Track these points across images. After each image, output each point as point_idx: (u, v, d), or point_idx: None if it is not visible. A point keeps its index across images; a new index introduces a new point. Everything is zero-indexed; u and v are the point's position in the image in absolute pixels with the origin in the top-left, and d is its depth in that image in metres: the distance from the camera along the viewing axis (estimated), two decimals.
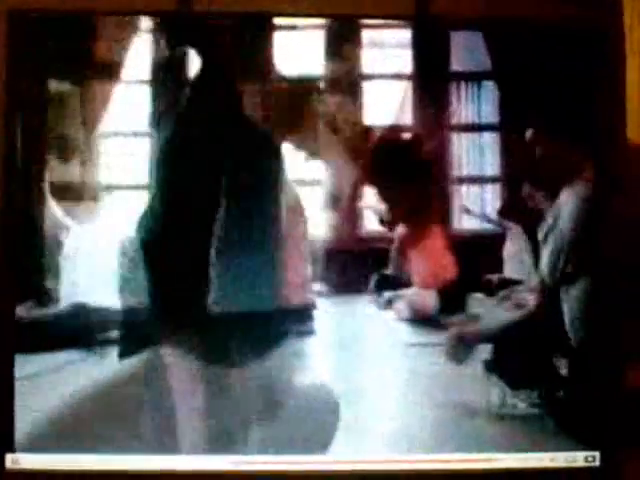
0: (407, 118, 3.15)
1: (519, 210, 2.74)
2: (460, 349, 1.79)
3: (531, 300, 2.32)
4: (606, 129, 1.40)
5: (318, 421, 1.27)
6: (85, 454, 1.33)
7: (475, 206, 3.02)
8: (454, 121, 3.26)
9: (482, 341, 1.79)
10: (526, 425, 1.38)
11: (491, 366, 1.80)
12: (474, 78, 3.26)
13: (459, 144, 3.17)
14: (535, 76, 2.04)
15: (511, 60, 2.52)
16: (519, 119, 2.65)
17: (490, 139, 3.31)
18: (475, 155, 3.21)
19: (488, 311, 2.59)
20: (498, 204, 3.13)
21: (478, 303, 2.73)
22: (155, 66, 1.39)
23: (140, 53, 1.37)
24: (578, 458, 1.32)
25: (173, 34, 1.33)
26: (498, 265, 3.02)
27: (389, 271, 3.14)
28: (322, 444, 1.27)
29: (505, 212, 2.94)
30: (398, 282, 3.01)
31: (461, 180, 3.50)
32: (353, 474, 1.29)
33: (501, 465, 1.31)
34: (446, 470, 1.29)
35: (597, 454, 1.32)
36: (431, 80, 2.75)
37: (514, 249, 2.93)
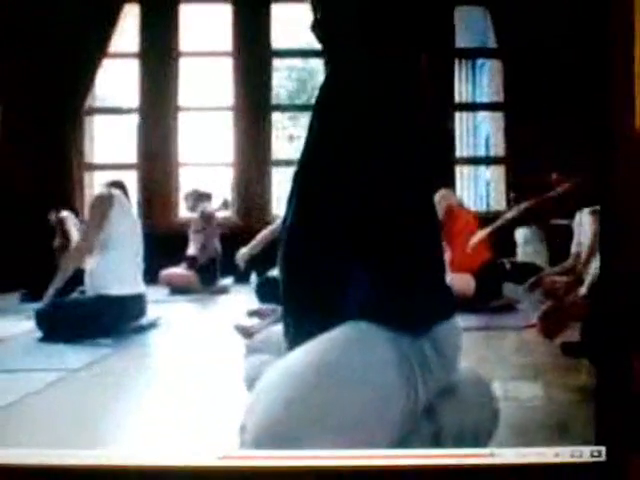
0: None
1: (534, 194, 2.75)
2: (554, 323, 1.78)
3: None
4: (614, 115, 1.36)
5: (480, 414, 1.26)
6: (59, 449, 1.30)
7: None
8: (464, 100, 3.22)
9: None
10: (530, 419, 1.34)
11: (576, 348, 1.78)
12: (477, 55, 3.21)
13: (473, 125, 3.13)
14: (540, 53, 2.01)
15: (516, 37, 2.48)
16: (526, 98, 2.61)
17: (493, 119, 3.27)
18: (484, 136, 3.18)
19: (523, 297, 2.63)
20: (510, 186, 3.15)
21: (507, 288, 2.75)
22: None
23: None
24: (584, 453, 1.29)
25: None
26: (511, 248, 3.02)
27: None
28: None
29: (520, 196, 2.95)
30: None
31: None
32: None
33: (503, 460, 1.28)
34: (448, 465, 1.25)
35: (603, 449, 1.29)
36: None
37: (526, 232, 2.95)
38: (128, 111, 3.09)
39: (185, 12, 3.07)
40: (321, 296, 1.15)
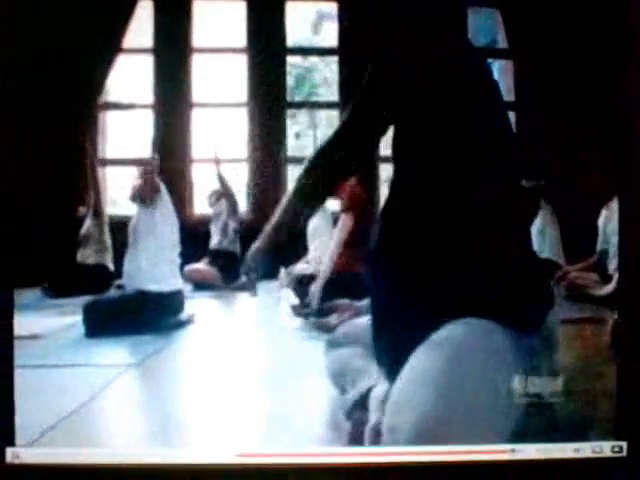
0: None
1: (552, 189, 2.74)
2: None
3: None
4: (630, 112, 1.35)
5: None
6: (88, 448, 1.32)
7: None
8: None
9: None
10: (550, 415, 1.34)
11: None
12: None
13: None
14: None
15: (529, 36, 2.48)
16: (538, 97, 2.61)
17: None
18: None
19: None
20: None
21: None
22: None
23: None
24: (605, 448, 1.29)
25: None
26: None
27: None
28: None
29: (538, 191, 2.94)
30: None
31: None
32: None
33: (524, 456, 1.27)
34: (470, 461, 1.25)
35: (624, 444, 1.29)
36: None
37: (541, 221, 2.93)
38: (141, 107, 3.09)
39: (199, 8, 3.07)
40: (433, 295, 1.17)
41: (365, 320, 1.35)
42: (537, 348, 1.17)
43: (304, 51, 3.18)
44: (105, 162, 3.19)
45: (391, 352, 1.20)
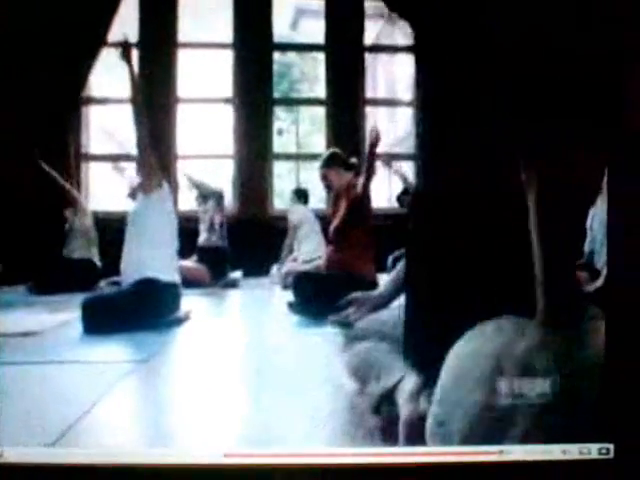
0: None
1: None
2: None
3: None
4: (626, 114, 1.36)
5: None
6: (72, 448, 1.31)
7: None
8: None
9: None
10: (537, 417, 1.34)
11: None
12: None
13: None
14: None
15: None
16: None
17: None
18: None
19: None
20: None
21: None
22: None
23: None
24: (592, 450, 1.29)
25: None
26: None
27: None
28: None
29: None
30: None
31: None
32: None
33: (512, 458, 1.27)
34: (458, 462, 1.25)
35: (611, 446, 1.29)
36: None
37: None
38: (125, 102, 3.06)
39: (184, 2, 3.05)
40: (469, 294, 1.18)
41: (384, 314, 1.37)
42: (570, 345, 1.18)
43: (292, 47, 3.18)
44: (88, 157, 3.17)
45: (425, 348, 1.21)
